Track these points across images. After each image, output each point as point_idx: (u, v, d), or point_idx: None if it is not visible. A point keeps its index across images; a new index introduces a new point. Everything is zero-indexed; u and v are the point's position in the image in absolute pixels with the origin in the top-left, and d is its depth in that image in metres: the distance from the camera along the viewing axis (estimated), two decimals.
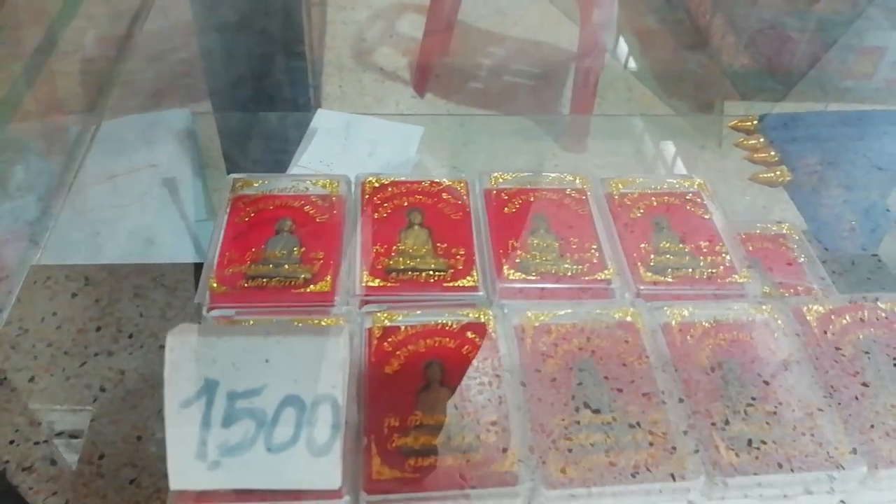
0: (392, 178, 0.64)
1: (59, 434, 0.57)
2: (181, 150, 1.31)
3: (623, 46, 2.45)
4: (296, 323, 0.53)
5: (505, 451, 0.48)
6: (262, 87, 1.59)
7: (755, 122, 1.26)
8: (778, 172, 1.14)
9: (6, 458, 0.55)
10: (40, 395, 0.59)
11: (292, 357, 0.42)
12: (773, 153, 1.18)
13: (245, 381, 0.42)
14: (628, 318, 0.55)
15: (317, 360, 0.42)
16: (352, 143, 1.25)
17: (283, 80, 1.62)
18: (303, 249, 0.58)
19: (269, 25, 1.48)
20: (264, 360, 0.42)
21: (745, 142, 1.22)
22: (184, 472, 0.43)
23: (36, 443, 0.57)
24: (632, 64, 2.41)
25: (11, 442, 0.56)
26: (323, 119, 1.29)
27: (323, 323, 0.53)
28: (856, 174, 1.09)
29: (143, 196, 1.14)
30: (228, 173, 1.24)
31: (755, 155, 1.19)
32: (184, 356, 0.42)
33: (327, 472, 0.44)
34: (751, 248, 0.68)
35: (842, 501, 0.51)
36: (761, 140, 1.22)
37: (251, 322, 0.52)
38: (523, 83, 2.38)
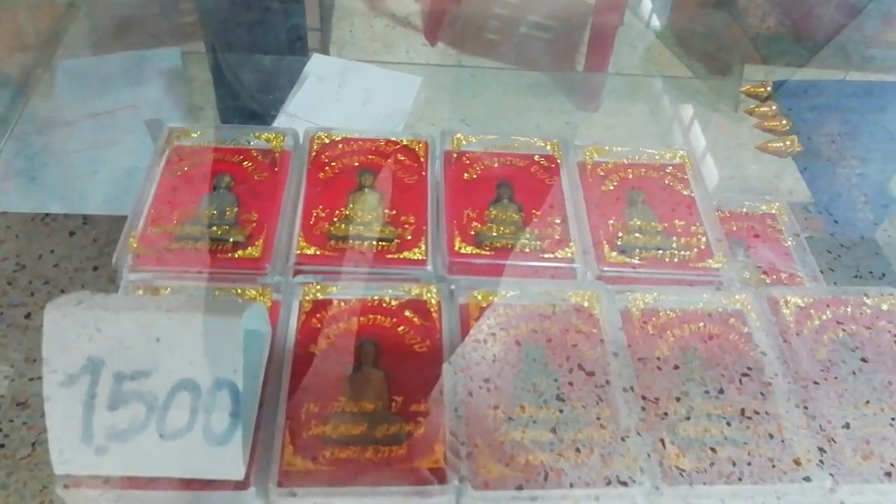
0: (344, 135, 0.59)
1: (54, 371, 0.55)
2: (168, 91, 1.26)
3: (644, 2, 2.34)
4: (216, 293, 0.48)
5: (433, 445, 0.43)
6: (257, 29, 1.52)
7: (768, 88, 1.19)
8: (788, 142, 1.07)
9: (1, 393, 0.54)
10: (36, 331, 0.57)
11: (186, 337, 0.38)
12: (784, 122, 1.11)
13: (134, 362, 0.38)
14: (585, 303, 0.50)
15: (214, 341, 0.38)
16: (345, 91, 1.19)
17: (279, 23, 1.54)
18: (236, 209, 0.53)
19: None
20: (155, 339, 0.38)
21: (756, 109, 1.15)
22: (68, 456, 0.39)
23: (31, 379, 0.55)
24: (652, 21, 2.30)
25: (6, 377, 0.55)
26: (317, 64, 1.23)
27: (248, 293, 0.48)
28: (873, 147, 1.03)
29: (123, 137, 1.09)
30: (221, 116, 1.19)
31: (766, 123, 1.12)
32: (65, 331, 0.37)
33: (228, 461, 0.40)
34: (735, 228, 0.63)
35: None
36: (773, 108, 1.15)
37: (168, 290, 0.48)
38: (538, 35, 2.28)
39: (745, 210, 0.64)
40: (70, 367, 0.37)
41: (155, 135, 1.11)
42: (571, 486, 0.42)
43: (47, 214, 0.67)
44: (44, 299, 0.59)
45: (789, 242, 0.62)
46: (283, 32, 1.47)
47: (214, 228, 0.52)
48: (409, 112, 1.11)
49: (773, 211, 0.65)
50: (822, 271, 0.63)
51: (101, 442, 0.38)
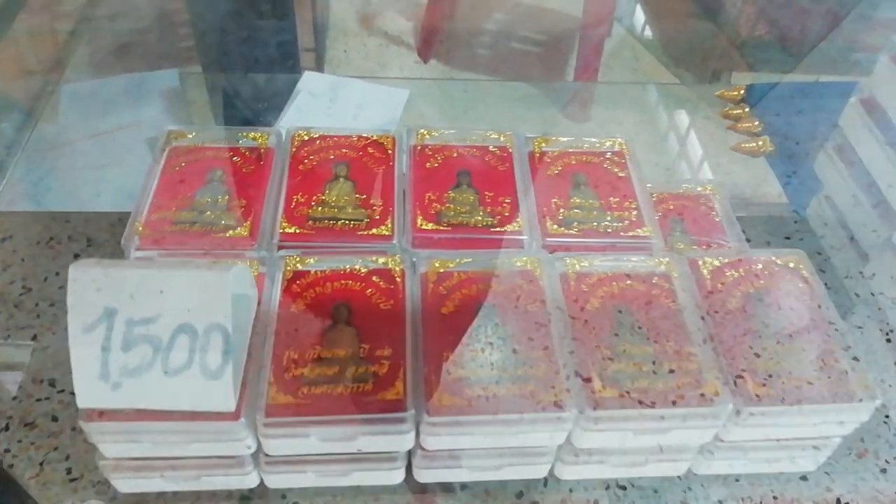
0: (321, 133, 0.69)
1: (61, 391, 0.61)
2: (168, 110, 1.36)
3: (632, 14, 2.45)
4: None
5: (394, 382, 0.52)
6: (250, 49, 1.63)
7: (742, 91, 1.28)
8: (760, 142, 1.17)
9: (9, 413, 0.59)
10: (42, 353, 0.62)
11: (184, 289, 0.47)
12: (756, 123, 1.20)
13: (141, 310, 0.47)
14: (528, 267, 0.59)
15: (206, 292, 0.47)
16: (337, 106, 1.28)
17: (271, 42, 1.65)
18: (227, 197, 0.63)
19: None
20: (159, 291, 0.47)
21: (729, 111, 1.24)
22: (89, 392, 0.48)
23: (38, 399, 0.60)
24: (640, 32, 2.41)
25: (15, 398, 0.60)
26: (309, 81, 1.33)
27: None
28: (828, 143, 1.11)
29: (127, 153, 1.19)
30: None
31: (739, 124, 1.21)
32: (85, 286, 0.47)
33: (221, 395, 0.49)
34: (672, 207, 0.72)
35: (716, 437, 0.56)
36: (746, 110, 1.24)
37: None
38: (529, 50, 2.39)
39: (682, 191, 0.74)
40: (90, 316, 0.47)
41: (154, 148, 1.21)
42: (515, 412, 0.51)
43: (52, 238, 0.72)
44: (49, 321, 0.63)
45: (719, 218, 0.71)
46: (274, 51, 1.57)
47: (209, 213, 0.61)
48: (400, 125, 1.20)
49: (707, 191, 0.74)
50: None
51: (116, 379, 0.48)
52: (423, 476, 0.57)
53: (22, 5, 1.38)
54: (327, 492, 0.58)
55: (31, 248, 0.70)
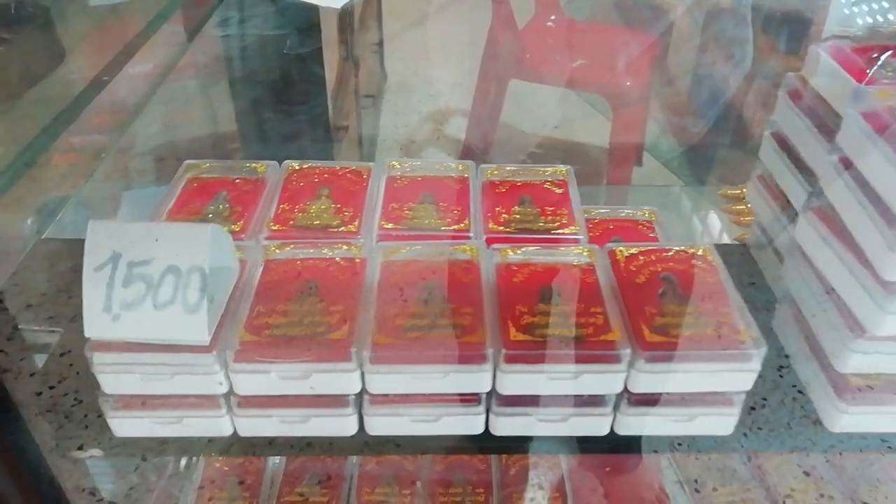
0: (311, 164, 0.84)
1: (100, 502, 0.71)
2: None
3: (658, 140, 2.63)
4: None
5: (342, 326, 0.64)
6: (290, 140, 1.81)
7: (743, 189, 1.42)
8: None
9: None
10: (84, 462, 0.73)
11: (174, 238, 0.61)
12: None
13: (140, 254, 0.61)
14: (468, 255, 0.71)
15: (190, 240, 0.61)
16: None
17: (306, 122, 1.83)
18: (228, 206, 0.78)
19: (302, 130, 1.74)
20: (154, 239, 0.61)
21: (730, 207, 1.37)
22: (94, 322, 0.61)
23: None
24: (670, 160, 2.58)
25: None
26: None
27: None
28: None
29: None
30: None
31: (741, 218, 1.34)
32: (99, 234, 0.61)
33: (197, 327, 0.61)
34: (612, 227, 0.84)
35: (626, 390, 0.64)
36: (748, 206, 1.36)
37: None
38: None
39: (623, 215, 0.86)
40: (100, 258, 0.61)
41: None
42: (444, 349, 0.62)
43: None
44: (96, 433, 0.67)
45: (653, 235, 0.82)
46: (308, 136, 1.76)
47: (211, 216, 0.76)
48: None
49: (647, 217, 0.86)
50: None
51: (117, 311, 0.61)
52: (373, 426, 0.67)
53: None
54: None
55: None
